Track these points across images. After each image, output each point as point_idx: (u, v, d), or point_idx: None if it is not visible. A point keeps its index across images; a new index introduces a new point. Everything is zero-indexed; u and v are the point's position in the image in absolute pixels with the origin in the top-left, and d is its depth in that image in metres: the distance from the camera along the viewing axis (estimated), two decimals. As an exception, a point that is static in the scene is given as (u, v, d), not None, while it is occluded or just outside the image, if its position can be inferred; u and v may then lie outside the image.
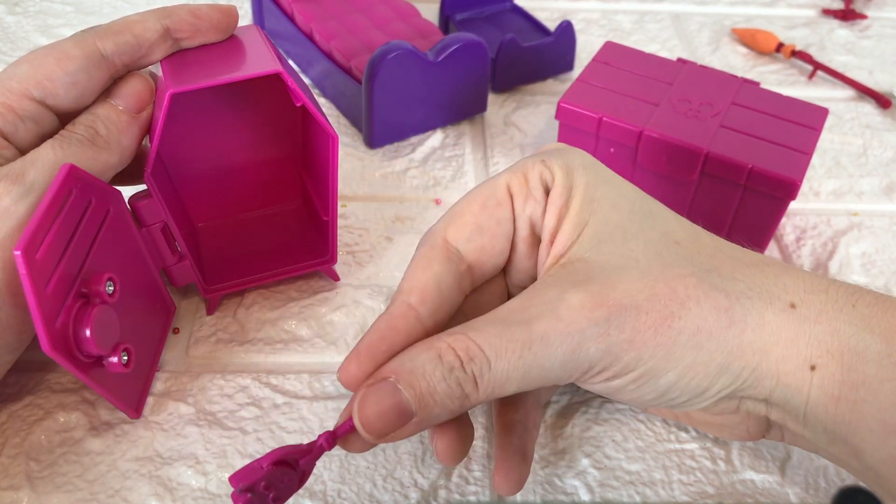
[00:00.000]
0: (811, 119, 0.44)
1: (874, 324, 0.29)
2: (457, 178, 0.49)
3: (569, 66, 0.57)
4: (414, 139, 0.51)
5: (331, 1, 0.55)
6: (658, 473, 0.34)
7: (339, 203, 0.46)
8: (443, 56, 0.48)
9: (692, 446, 0.35)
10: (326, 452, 0.28)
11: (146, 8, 0.62)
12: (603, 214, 0.30)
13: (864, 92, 0.57)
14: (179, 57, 0.35)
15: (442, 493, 0.33)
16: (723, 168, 0.42)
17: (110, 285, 0.32)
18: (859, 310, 0.29)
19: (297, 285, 0.41)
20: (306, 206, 0.44)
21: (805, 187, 0.49)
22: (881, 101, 0.56)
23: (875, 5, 0.69)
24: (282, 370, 0.38)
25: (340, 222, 0.45)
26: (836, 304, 0.29)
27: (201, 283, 0.39)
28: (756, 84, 0.47)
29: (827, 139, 0.53)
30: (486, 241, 0.32)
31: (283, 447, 0.28)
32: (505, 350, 0.27)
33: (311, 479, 0.33)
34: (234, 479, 0.27)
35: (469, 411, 0.31)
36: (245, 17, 0.62)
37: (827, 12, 0.67)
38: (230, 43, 0.36)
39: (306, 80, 0.56)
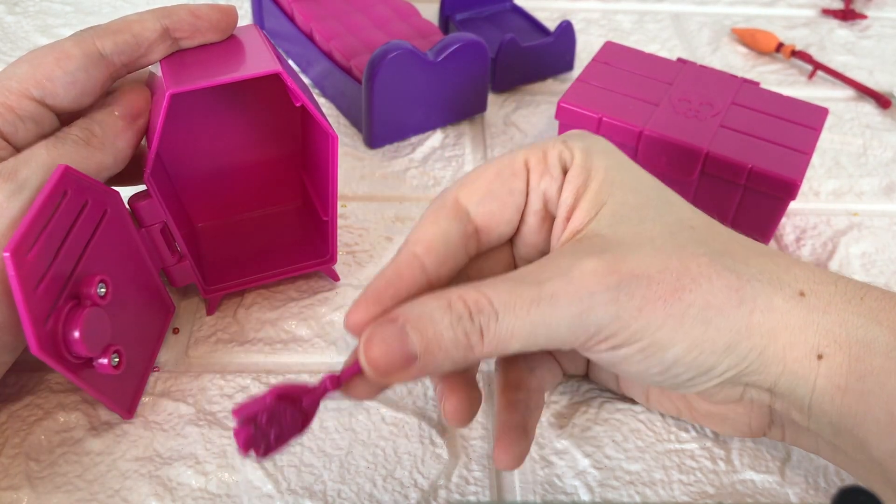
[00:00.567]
0: (811, 119, 0.44)
1: (882, 317, 0.29)
2: (457, 178, 0.49)
3: (569, 66, 0.57)
4: (414, 139, 0.51)
5: (331, 1, 0.55)
6: (658, 473, 0.34)
7: (339, 203, 0.46)
8: (443, 56, 0.48)
9: (692, 446, 0.35)
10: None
11: (146, 8, 0.63)
12: (621, 196, 0.31)
13: (864, 92, 0.57)
14: (179, 57, 0.35)
15: (442, 493, 0.33)
16: (723, 168, 0.42)
17: (102, 287, 0.32)
18: (867, 303, 0.30)
19: (297, 285, 0.41)
20: (306, 206, 0.44)
21: (805, 187, 0.49)
22: (881, 101, 0.56)
23: (875, 5, 0.69)
24: (282, 370, 0.38)
25: (340, 222, 0.45)
26: (844, 296, 0.30)
27: (201, 283, 0.39)
28: (756, 84, 0.47)
29: (827, 139, 0.53)
30: (496, 208, 0.32)
31: (286, 383, 0.28)
32: (514, 305, 0.28)
33: (311, 479, 0.33)
34: (237, 412, 0.27)
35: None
36: (245, 17, 0.62)
37: (827, 12, 0.67)
38: (229, 43, 0.36)
39: (306, 80, 0.56)
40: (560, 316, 0.28)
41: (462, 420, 0.31)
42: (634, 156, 0.44)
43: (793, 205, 0.44)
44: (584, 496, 0.33)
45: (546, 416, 0.36)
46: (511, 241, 0.33)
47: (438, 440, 0.35)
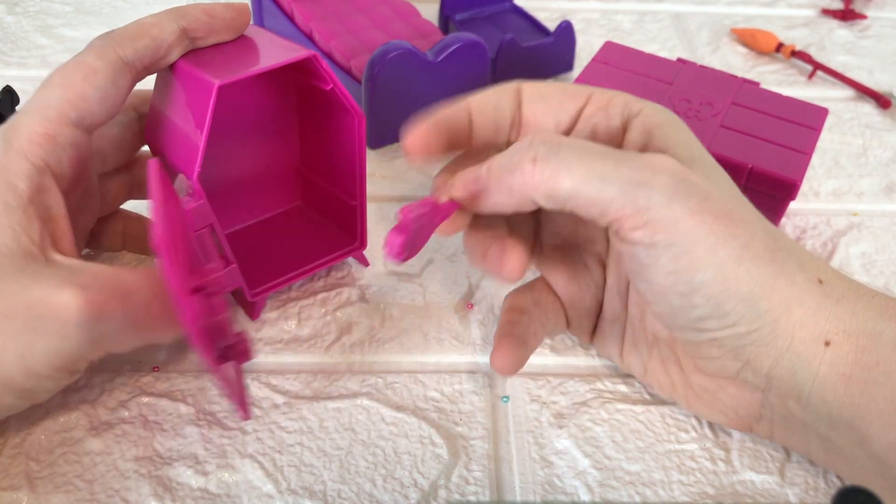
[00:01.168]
0: (811, 119, 0.44)
1: (891, 313, 0.30)
2: (457, 178, 0.49)
3: (568, 66, 0.57)
4: (414, 139, 0.51)
5: (331, 1, 0.55)
6: (658, 474, 0.34)
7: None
8: (443, 56, 0.48)
9: (692, 447, 0.35)
10: None
11: (145, 7, 0.63)
12: (696, 146, 0.33)
13: (864, 92, 0.57)
14: (197, 56, 0.35)
15: (442, 492, 0.33)
16: (722, 168, 0.42)
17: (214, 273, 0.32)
18: (878, 300, 0.31)
19: (298, 285, 0.41)
20: (308, 202, 0.44)
21: (805, 187, 0.49)
22: (881, 101, 0.56)
23: (875, 5, 0.69)
24: (282, 370, 0.38)
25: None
26: (857, 292, 0.31)
27: (246, 287, 0.38)
28: (756, 84, 0.47)
29: (827, 139, 0.53)
30: (540, 110, 0.34)
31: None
32: (580, 148, 0.30)
33: (311, 479, 0.33)
34: (404, 211, 0.30)
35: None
36: (245, 17, 0.62)
37: (826, 12, 0.67)
38: (243, 40, 0.36)
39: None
40: (619, 175, 0.29)
41: (504, 369, 0.34)
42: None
43: (793, 205, 0.44)
44: (584, 496, 0.33)
45: (546, 416, 0.36)
46: None
47: (438, 440, 0.35)
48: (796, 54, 0.60)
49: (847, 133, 0.54)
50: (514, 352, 0.34)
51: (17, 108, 0.43)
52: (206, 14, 0.35)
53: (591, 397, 0.37)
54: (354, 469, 0.34)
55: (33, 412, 0.35)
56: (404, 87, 0.48)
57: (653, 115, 0.33)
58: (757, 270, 0.29)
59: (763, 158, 0.41)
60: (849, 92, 0.58)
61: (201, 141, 0.33)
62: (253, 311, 0.39)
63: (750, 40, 0.62)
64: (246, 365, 0.38)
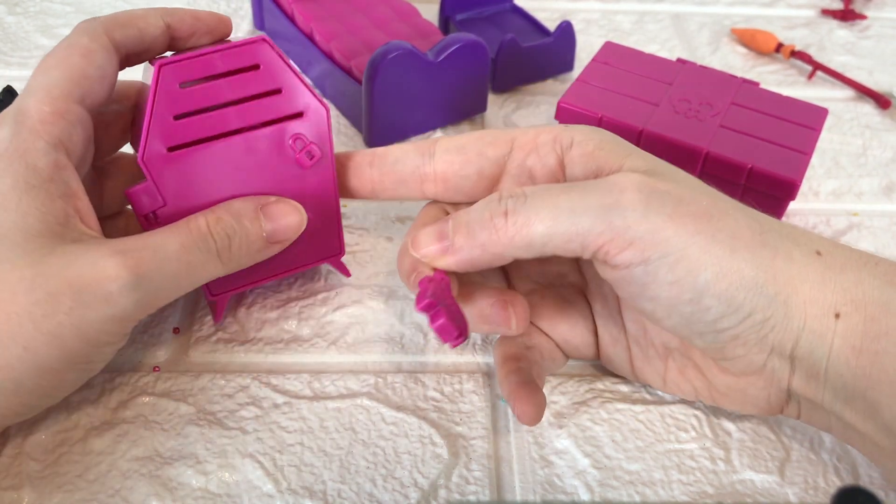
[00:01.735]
0: (811, 119, 0.44)
1: None
2: (457, 178, 0.49)
3: (569, 66, 0.57)
4: (414, 139, 0.51)
5: (331, 1, 0.55)
6: (658, 473, 0.34)
7: (340, 203, 0.46)
8: (443, 56, 0.48)
9: (692, 446, 0.35)
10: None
11: (145, 7, 0.63)
12: (643, 154, 0.32)
13: (864, 92, 0.57)
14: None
15: (442, 492, 0.33)
16: (722, 168, 0.42)
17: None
18: (882, 267, 0.30)
19: (297, 285, 0.41)
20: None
21: (804, 187, 0.49)
22: (881, 101, 0.56)
23: (875, 5, 0.69)
24: (282, 370, 0.38)
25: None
26: (859, 260, 0.30)
27: (206, 286, 0.38)
28: (755, 84, 0.47)
29: (826, 139, 0.53)
30: (458, 161, 0.34)
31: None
32: (543, 192, 0.30)
33: (311, 479, 0.33)
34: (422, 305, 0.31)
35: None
36: (245, 17, 0.62)
37: (826, 12, 0.67)
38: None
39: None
40: (587, 203, 0.29)
41: (532, 419, 0.33)
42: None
43: (792, 205, 0.44)
44: (584, 496, 0.34)
45: (546, 416, 0.36)
46: None
47: (438, 440, 0.35)
48: (796, 54, 0.60)
49: (847, 133, 0.54)
50: (535, 397, 0.33)
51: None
52: (192, 17, 0.35)
53: (590, 397, 0.37)
54: (355, 469, 0.34)
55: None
56: (404, 87, 0.48)
57: (587, 140, 0.32)
58: (753, 256, 0.29)
59: (763, 158, 0.42)
60: (848, 92, 0.58)
61: (146, 124, 0.33)
62: (215, 313, 0.39)
63: (750, 40, 0.62)
64: (246, 365, 0.38)
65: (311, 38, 0.53)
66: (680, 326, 0.31)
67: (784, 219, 0.47)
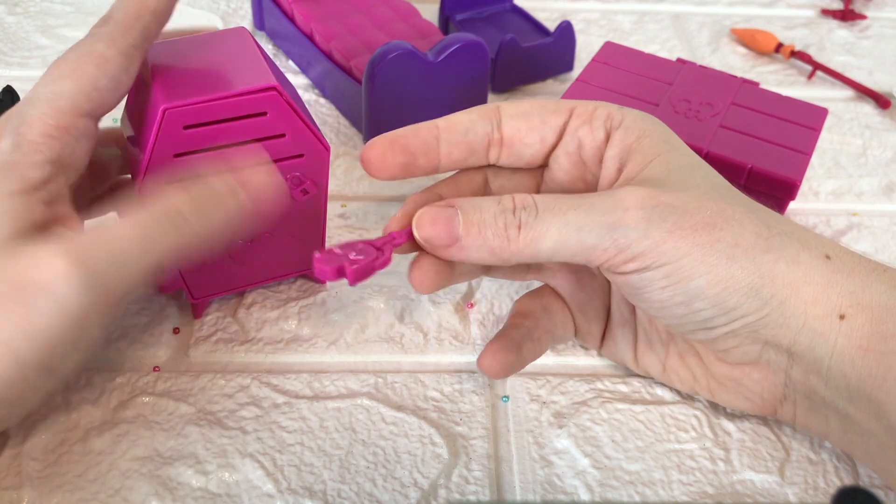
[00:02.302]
0: (811, 119, 0.44)
1: None
2: (457, 178, 0.49)
3: (568, 66, 0.57)
4: (414, 139, 0.51)
5: (331, 1, 0.55)
6: (658, 473, 0.34)
7: (339, 203, 0.46)
8: (443, 56, 0.48)
9: (692, 446, 0.35)
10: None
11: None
12: (674, 155, 0.33)
13: (864, 92, 0.57)
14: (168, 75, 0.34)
15: (442, 492, 0.33)
16: (722, 168, 0.42)
17: None
18: (890, 273, 0.31)
19: (298, 285, 0.41)
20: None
21: (804, 187, 0.49)
22: (880, 101, 0.56)
23: (875, 5, 0.69)
24: (282, 370, 0.38)
25: (340, 222, 0.45)
26: (868, 266, 0.31)
27: (188, 289, 0.38)
28: (755, 84, 0.47)
29: (826, 139, 0.53)
30: (524, 127, 0.34)
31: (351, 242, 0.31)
32: (554, 206, 0.30)
33: (311, 479, 0.33)
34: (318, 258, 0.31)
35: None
36: (245, 17, 0.62)
37: (826, 12, 0.67)
38: (223, 55, 0.36)
39: (306, 81, 0.56)
40: (593, 221, 0.30)
41: (489, 369, 0.34)
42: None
43: (792, 205, 0.44)
44: (584, 496, 0.34)
45: (546, 416, 0.36)
46: (543, 175, 0.36)
47: (438, 440, 0.35)
48: (796, 54, 0.60)
49: (847, 133, 0.54)
50: (503, 355, 0.34)
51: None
52: None
53: (590, 397, 0.37)
54: (355, 469, 0.34)
55: (34, 411, 0.35)
56: (404, 87, 0.48)
57: (633, 128, 0.33)
58: (752, 263, 0.30)
59: (763, 158, 0.42)
60: (848, 92, 0.58)
61: (146, 155, 0.33)
62: (196, 311, 0.39)
63: (749, 40, 0.62)
64: (246, 365, 0.38)
65: (311, 38, 0.53)
66: (673, 325, 0.32)
67: (784, 219, 0.47)
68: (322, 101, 0.54)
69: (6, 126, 0.31)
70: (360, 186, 0.48)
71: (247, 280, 0.39)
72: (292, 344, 0.39)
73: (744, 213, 0.31)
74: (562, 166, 0.34)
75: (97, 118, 0.32)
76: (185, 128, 0.33)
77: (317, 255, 0.31)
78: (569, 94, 0.45)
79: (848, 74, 0.59)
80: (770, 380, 0.32)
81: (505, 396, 0.37)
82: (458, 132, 0.34)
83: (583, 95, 0.45)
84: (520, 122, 0.34)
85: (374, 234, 0.45)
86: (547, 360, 0.39)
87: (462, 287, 0.42)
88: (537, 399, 0.37)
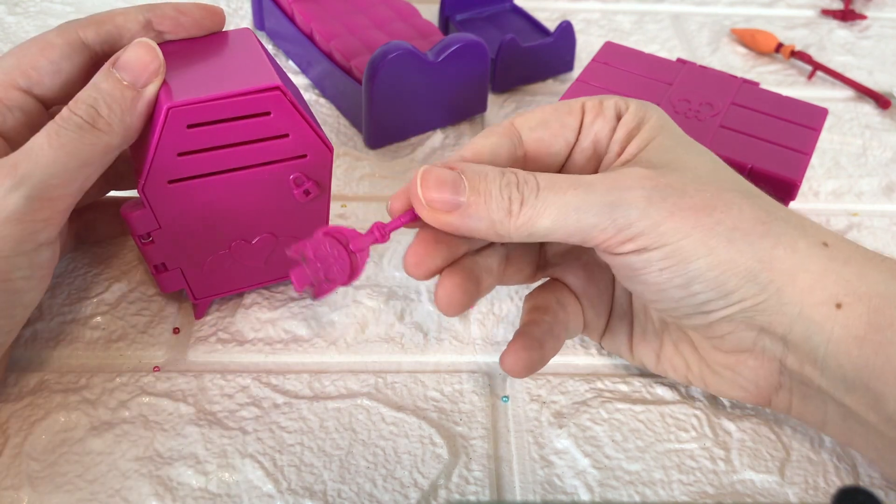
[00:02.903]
0: (811, 119, 0.44)
1: None
2: (457, 178, 0.49)
3: (568, 66, 0.57)
4: (414, 139, 0.51)
5: (331, 1, 0.55)
6: (658, 473, 0.34)
7: (339, 203, 0.46)
8: (443, 56, 0.48)
9: (692, 446, 0.35)
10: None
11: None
12: (671, 138, 0.33)
13: (864, 92, 0.57)
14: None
15: (442, 492, 0.33)
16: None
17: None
18: (887, 263, 0.31)
19: (298, 285, 0.41)
20: None
21: (805, 187, 0.49)
22: (881, 101, 0.56)
23: (875, 5, 0.69)
24: (282, 370, 0.38)
25: (341, 222, 0.45)
26: (865, 255, 0.31)
27: (190, 290, 0.38)
28: (755, 84, 0.47)
29: (826, 139, 0.53)
30: (547, 137, 0.33)
31: (336, 226, 0.31)
32: (555, 185, 0.30)
33: (311, 479, 0.33)
34: (291, 250, 0.30)
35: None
36: (245, 18, 0.62)
37: (826, 13, 0.67)
38: (224, 55, 0.36)
39: (306, 81, 0.56)
40: (592, 201, 0.30)
41: (511, 368, 0.33)
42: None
43: (792, 205, 0.44)
44: (584, 496, 0.34)
45: (546, 416, 0.36)
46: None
47: (438, 440, 0.35)
48: (796, 54, 0.60)
49: (847, 133, 0.54)
50: (527, 353, 0.33)
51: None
52: (175, 10, 0.36)
53: (590, 397, 0.37)
54: (355, 469, 0.34)
55: (34, 412, 0.35)
56: (404, 87, 0.48)
57: (635, 116, 0.33)
58: (751, 247, 0.30)
59: (763, 158, 0.42)
60: (848, 92, 0.58)
61: (150, 153, 0.33)
62: (198, 311, 0.39)
63: (750, 41, 0.62)
64: (246, 365, 0.38)
65: (311, 38, 0.53)
66: (669, 309, 0.32)
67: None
68: (322, 101, 0.54)
69: None
70: (360, 186, 0.48)
71: (248, 280, 0.39)
72: (292, 344, 0.39)
73: (743, 197, 0.31)
74: (576, 163, 0.34)
75: (38, 98, 0.35)
76: (189, 127, 0.33)
77: (294, 270, 0.31)
78: (569, 94, 0.45)
79: (848, 74, 0.59)
80: (765, 368, 0.32)
81: (505, 396, 0.37)
82: (483, 161, 0.32)
83: (583, 95, 0.45)
84: (541, 132, 0.33)
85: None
86: (547, 360, 0.39)
87: (462, 287, 0.42)
88: (537, 399, 0.37)
